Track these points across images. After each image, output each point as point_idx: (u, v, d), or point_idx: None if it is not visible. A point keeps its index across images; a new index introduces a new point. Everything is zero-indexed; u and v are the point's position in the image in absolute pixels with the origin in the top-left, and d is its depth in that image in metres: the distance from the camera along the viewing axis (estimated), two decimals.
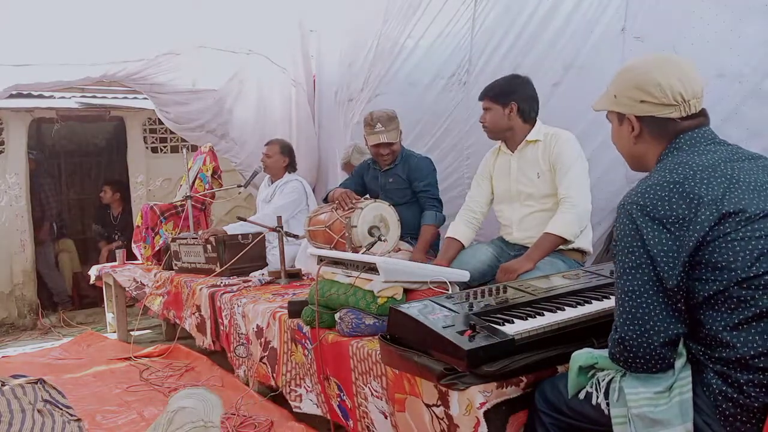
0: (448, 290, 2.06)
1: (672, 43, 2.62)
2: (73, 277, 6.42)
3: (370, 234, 2.88)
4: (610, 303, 1.72)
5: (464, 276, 2.21)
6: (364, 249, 2.73)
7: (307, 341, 2.28)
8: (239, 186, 4.37)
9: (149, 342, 4.51)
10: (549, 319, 1.61)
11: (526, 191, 2.58)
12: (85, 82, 4.70)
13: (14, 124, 5.64)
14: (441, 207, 3.21)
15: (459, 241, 2.72)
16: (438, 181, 3.35)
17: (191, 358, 3.67)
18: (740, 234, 1.19)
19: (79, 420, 2.76)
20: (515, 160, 2.61)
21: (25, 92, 5.27)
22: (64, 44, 4.17)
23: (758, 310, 1.17)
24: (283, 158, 4.09)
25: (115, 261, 5.00)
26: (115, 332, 4.77)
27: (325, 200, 3.38)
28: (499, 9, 3.49)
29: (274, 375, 2.58)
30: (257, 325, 2.69)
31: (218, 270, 3.53)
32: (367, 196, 3.33)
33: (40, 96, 5.69)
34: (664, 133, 1.37)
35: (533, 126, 2.57)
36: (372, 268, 2.08)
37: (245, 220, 3.47)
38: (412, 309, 1.64)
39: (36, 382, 2.94)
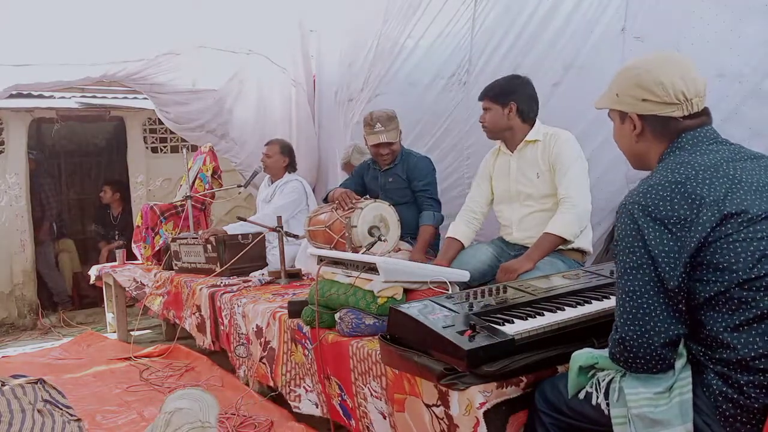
0: (448, 290, 2.06)
1: (672, 44, 2.62)
2: (73, 277, 6.42)
3: (370, 234, 2.88)
4: (610, 303, 1.72)
5: (464, 276, 2.21)
6: (364, 249, 2.73)
7: (307, 341, 2.28)
8: (239, 186, 4.37)
9: (149, 342, 4.51)
10: (549, 319, 1.61)
11: (525, 191, 2.58)
12: (85, 82, 4.70)
13: (14, 124, 5.64)
14: (439, 207, 3.21)
15: (459, 241, 2.73)
16: (438, 181, 3.35)
17: (191, 358, 3.67)
18: (742, 235, 1.18)
19: (79, 420, 2.76)
20: (515, 161, 2.61)
21: (25, 92, 5.27)
22: (64, 44, 4.17)
23: (759, 312, 1.17)
24: (283, 158, 4.09)
25: (115, 261, 5.01)
26: (115, 332, 4.77)
27: (325, 200, 3.38)
28: (499, 9, 3.49)
29: (273, 375, 2.58)
30: (257, 325, 2.69)
31: (218, 270, 3.53)
32: (367, 196, 3.33)
33: (40, 96, 5.69)
34: (666, 132, 1.36)
35: (532, 126, 2.57)
36: (372, 268, 2.08)
37: (245, 220, 3.47)
38: (412, 309, 1.64)
39: (36, 382, 2.94)
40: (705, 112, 1.36)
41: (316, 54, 5.32)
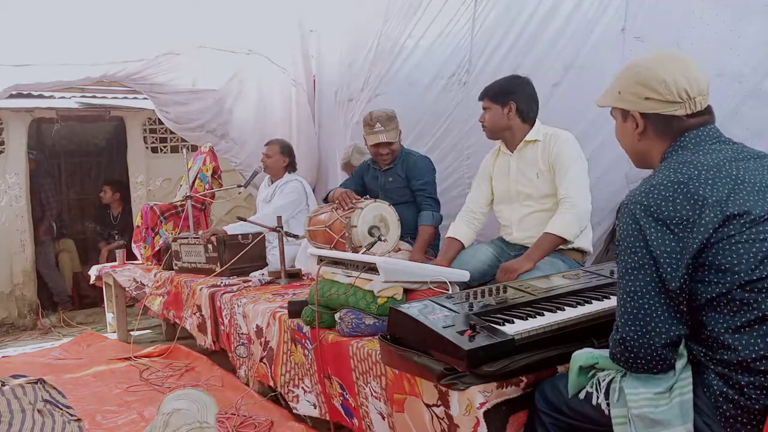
0: (448, 290, 2.06)
1: (672, 44, 2.62)
2: (73, 277, 6.42)
3: (370, 234, 2.88)
4: (610, 303, 1.72)
5: (464, 276, 2.21)
6: (364, 249, 2.73)
7: (307, 341, 2.28)
8: (239, 186, 4.37)
9: (149, 342, 4.51)
10: (549, 319, 1.61)
11: (525, 191, 2.58)
12: (85, 82, 4.70)
13: (14, 124, 5.64)
14: (438, 206, 3.21)
15: (459, 241, 2.73)
16: (438, 181, 3.35)
17: (191, 358, 3.67)
18: (744, 236, 1.18)
19: (79, 420, 2.76)
20: (514, 161, 2.61)
21: (25, 92, 5.26)
22: (64, 44, 4.17)
23: (761, 314, 1.16)
24: (283, 158, 4.09)
25: (115, 261, 5.01)
26: (115, 332, 4.77)
27: (325, 200, 3.38)
28: (499, 9, 3.49)
29: (273, 375, 2.58)
30: (257, 325, 2.69)
31: (218, 270, 3.53)
32: (367, 196, 3.33)
33: (40, 96, 5.69)
34: (668, 131, 1.35)
35: (532, 126, 2.57)
36: (372, 268, 2.08)
37: (245, 220, 3.47)
38: (412, 309, 1.64)
39: (36, 382, 2.95)
40: (708, 111, 1.35)
41: (316, 54, 5.32)
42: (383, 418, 1.88)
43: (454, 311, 1.63)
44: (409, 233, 3.18)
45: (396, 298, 2.04)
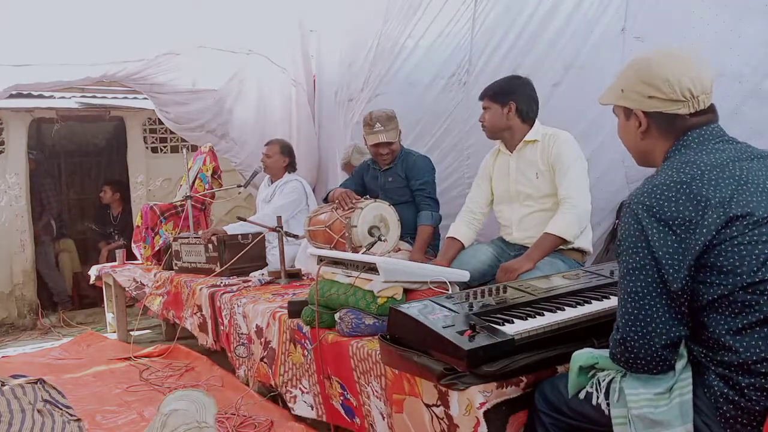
0: (448, 290, 2.06)
1: (672, 44, 2.62)
2: (73, 277, 6.42)
3: (370, 234, 2.88)
4: (610, 303, 1.72)
5: (464, 276, 2.21)
6: (364, 249, 2.73)
7: (307, 341, 2.28)
8: (239, 186, 4.37)
9: (149, 342, 4.51)
10: (549, 319, 1.61)
11: (525, 191, 2.58)
12: (85, 82, 4.70)
13: (14, 124, 5.64)
14: (437, 206, 3.21)
15: (459, 241, 2.73)
16: (438, 181, 3.35)
17: (191, 358, 3.67)
18: (747, 238, 1.17)
19: (79, 420, 2.76)
20: (514, 161, 2.61)
21: (25, 92, 5.26)
22: (64, 44, 4.17)
23: (762, 316, 1.16)
24: (283, 158, 4.09)
25: (115, 261, 5.01)
26: (115, 332, 4.77)
27: (325, 200, 3.38)
28: (499, 9, 3.49)
29: (273, 375, 2.58)
30: (257, 325, 2.69)
31: (218, 270, 3.53)
32: (367, 196, 3.33)
33: (40, 96, 5.69)
34: (672, 130, 1.34)
35: (532, 126, 2.58)
36: (372, 268, 2.08)
37: (245, 220, 3.47)
38: (412, 309, 1.64)
39: (36, 382, 2.94)
40: (711, 110, 1.34)
41: (316, 54, 5.32)
42: (383, 418, 1.88)
43: (454, 311, 1.63)
44: (409, 233, 3.18)
45: (396, 298, 2.04)
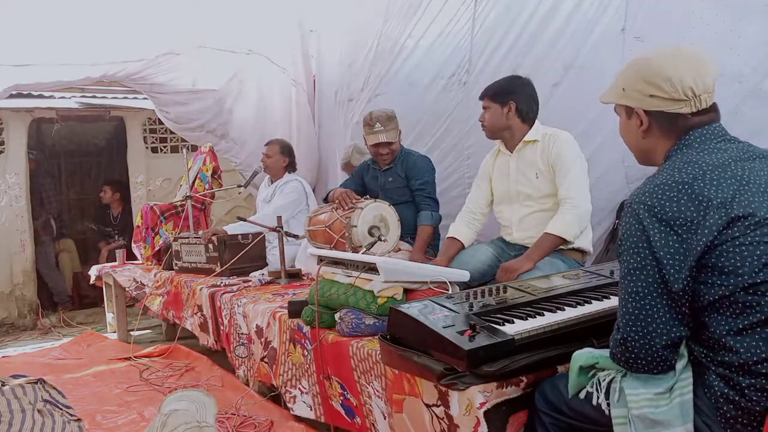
0: (448, 290, 2.06)
1: (672, 44, 2.62)
2: (73, 277, 6.42)
3: (370, 234, 2.88)
4: (610, 303, 1.72)
5: (464, 276, 2.21)
6: (364, 249, 2.73)
7: (307, 341, 2.28)
8: (239, 186, 4.37)
9: (149, 342, 4.51)
10: (549, 319, 1.61)
11: (525, 192, 2.58)
12: (85, 82, 4.70)
13: (14, 124, 5.64)
14: (437, 206, 3.21)
15: (459, 241, 2.73)
16: (438, 181, 3.35)
17: (191, 358, 3.67)
18: (748, 239, 1.17)
19: (79, 420, 2.76)
20: (514, 161, 2.61)
21: (25, 92, 5.26)
22: (64, 44, 4.17)
23: (763, 317, 1.16)
24: (283, 158, 4.09)
25: (115, 261, 5.01)
26: (115, 332, 4.77)
27: (325, 200, 3.38)
28: (499, 9, 3.49)
29: (274, 375, 2.58)
30: (257, 325, 2.69)
31: (218, 270, 3.53)
32: (367, 196, 3.33)
33: (40, 96, 5.69)
34: (673, 129, 1.33)
35: (531, 126, 2.58)
36: (372, 268, 2.08)
37: (245, 220, 3.47)
38: (412, 309, 1.64)
39: (36, 382, 2.95)
40: (713, 109, 1.33)
41: (316, 54, 5.32)
42: (384, 417, 1.88)
43: (454, 311, 1.63)
44: (409, 233, 3.18)
45: (396, 298, 2.04)
